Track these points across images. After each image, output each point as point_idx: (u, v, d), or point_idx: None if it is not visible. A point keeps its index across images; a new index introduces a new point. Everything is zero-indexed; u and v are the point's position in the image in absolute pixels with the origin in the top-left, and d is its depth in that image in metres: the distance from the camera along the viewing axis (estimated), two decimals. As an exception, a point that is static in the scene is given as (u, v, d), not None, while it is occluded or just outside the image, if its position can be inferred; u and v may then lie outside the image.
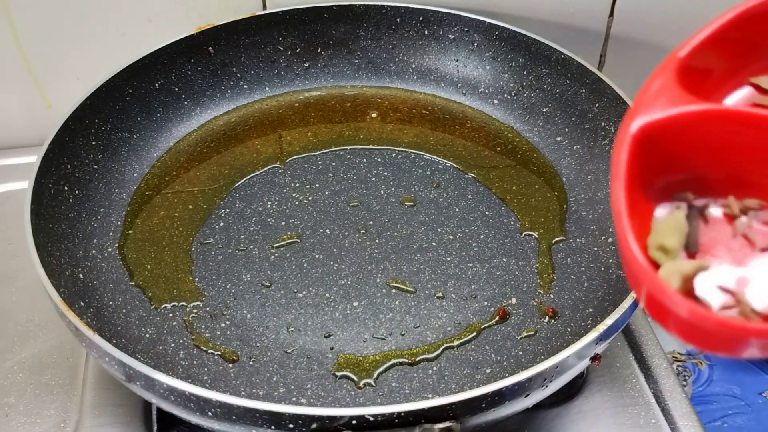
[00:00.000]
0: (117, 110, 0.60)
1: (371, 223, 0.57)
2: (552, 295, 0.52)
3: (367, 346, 0.49)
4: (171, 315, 0.50)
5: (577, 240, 0.55)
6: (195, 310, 0.51)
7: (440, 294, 0.52)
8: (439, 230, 0.56)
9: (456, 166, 0.61)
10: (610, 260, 0.53)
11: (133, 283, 0.52)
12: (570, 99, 0.62)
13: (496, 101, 0.66)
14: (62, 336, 0.54)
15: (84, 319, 0.43)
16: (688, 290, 0.28)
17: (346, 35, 0.68)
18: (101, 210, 0.56)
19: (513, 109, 0.65)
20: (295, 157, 0.62)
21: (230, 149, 0.63)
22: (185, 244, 0.55)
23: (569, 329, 0.49)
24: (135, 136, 0.61)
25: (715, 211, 0.31)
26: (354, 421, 0.37)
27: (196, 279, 0.53)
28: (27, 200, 0.48)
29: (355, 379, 0.47)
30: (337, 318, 0.50)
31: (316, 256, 0.54)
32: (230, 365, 0.47)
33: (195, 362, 0.47)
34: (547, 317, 0.50)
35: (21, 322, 0.56)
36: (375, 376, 0.47)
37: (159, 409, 0.49)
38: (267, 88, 0.68)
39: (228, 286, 0.52)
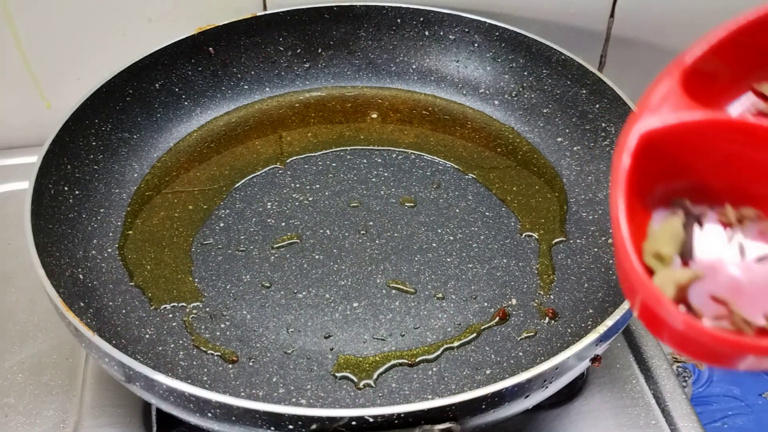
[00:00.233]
0: (117, 110, 0.60)
1: (371, 223, 0.57)
2: (552, 296, 0.52)
3: (366, 346, 0.49)
4: (171, 315, 0.50)
5: (578, 241, 0.55)
6: (195, 311, 0.51)
7: (440, 295, 0.52)
8: (439, 231, 0.56)
9: (456, 166, 0.61)
10: (611, 261, 0.53)
11: (132, 284, 0.52)
12: (570, 100, 0.62)
13: (496, 102, 0.66)
14: (62, 336, 0.54)
15: (84, 319, 0.43)
16: (682, 299, 0.28)
17: (346, 36, 0.68)
18: (101, 210, 0.56)
19: (513, 109, 0.65)
20: (295, 157, 0.62)
21: (230, 150, 0.63)
22: (185, 245, 0.55)
23: (569, 330, 0.49)
24: (135, 137, 0.61)
25: (712, 219, 0.31)
26: (354, 422, 0.37)
27: (196, 279, 0.53)
28: (27, 200, 0.48)
29: (355, 379, 0.47)
30: (337, 319, 0.50)
31: (316, 257, 0.54)
32: (230, 366, 0.47)
33: (195, 363, 0.47)
34: (547, 318, 0.50)
35: (21, 322, 0.56)
36: (375, 377, 0.47)
37: (158, 410, 0.49)
38: (267, 89, 0.68)
39: (228, 287, 0.52)
